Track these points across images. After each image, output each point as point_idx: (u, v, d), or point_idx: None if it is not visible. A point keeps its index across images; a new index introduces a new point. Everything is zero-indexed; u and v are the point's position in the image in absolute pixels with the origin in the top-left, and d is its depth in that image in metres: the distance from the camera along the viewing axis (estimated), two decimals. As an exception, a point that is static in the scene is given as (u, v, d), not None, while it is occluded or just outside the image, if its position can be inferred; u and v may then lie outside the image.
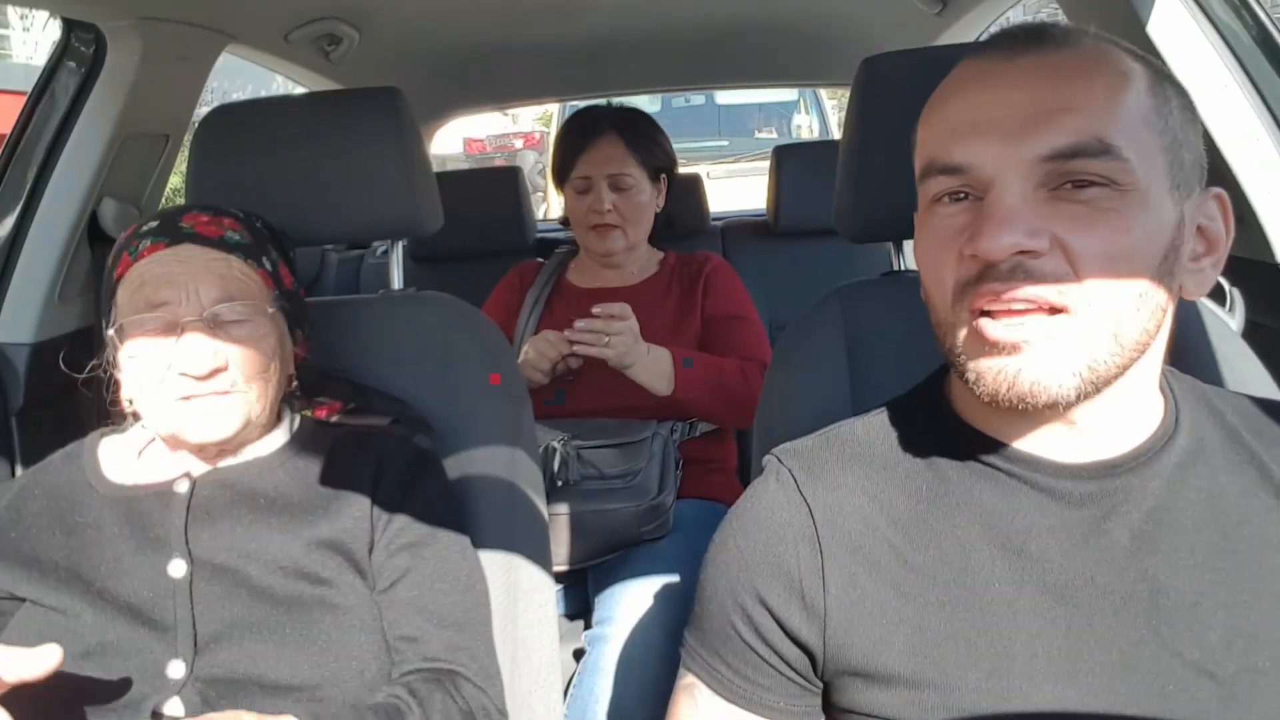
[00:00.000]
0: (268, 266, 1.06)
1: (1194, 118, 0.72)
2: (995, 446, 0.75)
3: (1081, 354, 0.66)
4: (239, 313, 1.00)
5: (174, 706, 0.91)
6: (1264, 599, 0.69)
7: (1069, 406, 0.68)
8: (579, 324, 1.59)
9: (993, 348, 0.67)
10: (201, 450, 1.03)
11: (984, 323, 0.67)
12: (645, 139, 1.85)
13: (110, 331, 1.00)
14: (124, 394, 1.03)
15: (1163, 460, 0.72)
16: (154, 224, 1.03)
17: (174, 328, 0.97)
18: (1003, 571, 0.72)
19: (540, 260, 1.99)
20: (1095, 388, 0.67)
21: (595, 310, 1.59)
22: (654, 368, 1.63)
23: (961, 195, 0.71)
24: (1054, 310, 0.66)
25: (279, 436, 1.08)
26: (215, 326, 0.98)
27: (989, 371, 0.68)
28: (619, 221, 1.81)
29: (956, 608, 0.72)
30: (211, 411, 0.98)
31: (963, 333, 0.70)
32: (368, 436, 1.10)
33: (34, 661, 0.76)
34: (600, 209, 1.80)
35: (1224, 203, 0.73)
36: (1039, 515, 0.72)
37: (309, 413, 1.14)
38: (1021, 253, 0.65)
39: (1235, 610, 0.69)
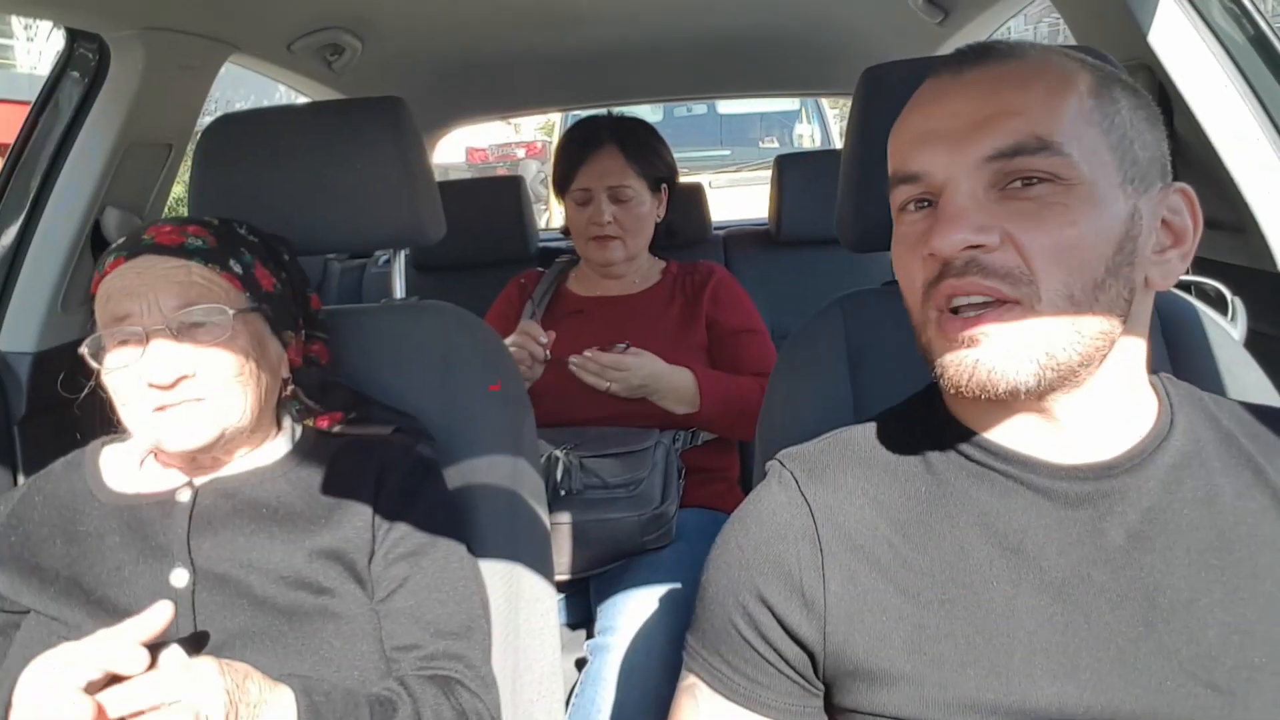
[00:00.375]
0: (236, 270, 1.03)
1: (1150, 116, 0.75)
2: (991, 448, 0.77)
3: (1039, 343, 0.69)
4: (200, 316, 0.98)
5: None
6: (1260, 597, 0.70)
7: (1034, 395, 0.71)
8: (573, 361, 1.61)
9: (954, 343, 0.71)
10: (193, 461, 1.02)
11: (947, 320, 0.72)
12: (645, 150, 1.85)
13: (82, 349, 0.98)
14: None
15: (1158, 461, 0.74)
16: (122, 240, 1.02)
17: (143, 340, 0.96)
18: (1000, 570, 0.73)
19: (541, 269, 1.99)
20: (1058, 375, 0.70)
21: (589, 352, 1.61)
22: (673, 395, 1.64)
23: (924, 203, 0.75)
24: (1010, 301, 0.69)
25: (281, 446, 1.08)
26: (180, 334, 0.97)
27: (951, 364, 0.72)
28: (619, 233, 1.81)
29: (955, 606, 0.73)
30: (184, 420, 0.97)
31: (931, 330, 0.74)
32: (369, 446, 1.10)
33: (149, 624, 0.79)
34: (600, 221, 1.80)
35: (1189, 197, 0.76)
36: (1035, 515, 0.74)
37: (310, 422, 1.14)
38: (974, 248, 0.70)
39: (1232, 608, 0.70)
